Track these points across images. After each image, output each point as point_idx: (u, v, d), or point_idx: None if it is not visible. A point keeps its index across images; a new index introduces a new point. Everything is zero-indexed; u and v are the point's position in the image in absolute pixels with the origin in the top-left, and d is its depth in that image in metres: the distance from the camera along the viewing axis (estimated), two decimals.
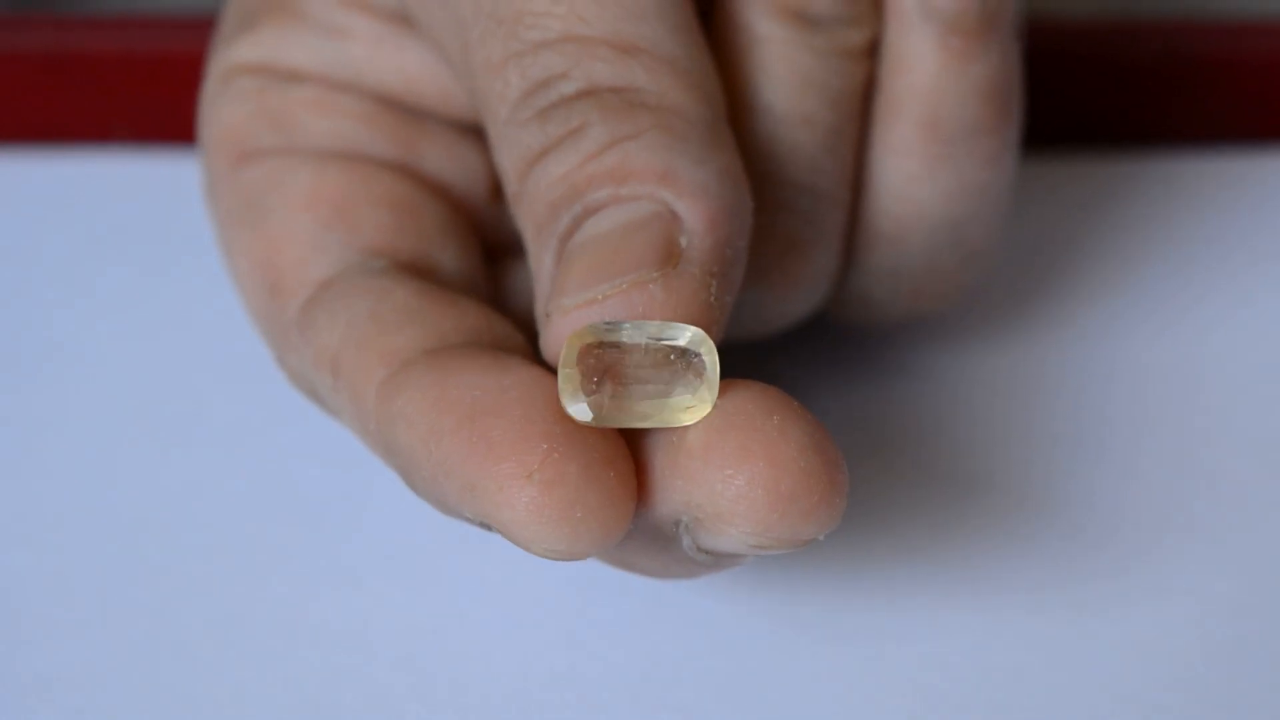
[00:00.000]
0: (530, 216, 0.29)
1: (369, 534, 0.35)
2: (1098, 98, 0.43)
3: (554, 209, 0.29)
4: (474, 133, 0.34)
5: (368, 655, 0.33)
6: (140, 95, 0.43)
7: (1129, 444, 0.37)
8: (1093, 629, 0.33)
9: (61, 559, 0.35)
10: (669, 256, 0.28)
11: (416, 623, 0.34)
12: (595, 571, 0.34)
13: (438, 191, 0.34)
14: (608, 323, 0.27)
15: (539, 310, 0.29)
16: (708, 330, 0.28)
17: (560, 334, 0.28)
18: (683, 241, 0.28)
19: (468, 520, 0.28)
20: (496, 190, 0.34)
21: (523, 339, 0.31)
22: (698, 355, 0.27)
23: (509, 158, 0.29)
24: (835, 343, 0.38)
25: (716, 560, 0.28)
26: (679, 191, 0.28)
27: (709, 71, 0.30)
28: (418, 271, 0.33)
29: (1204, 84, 0.43)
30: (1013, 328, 0.39)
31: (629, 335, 0.27)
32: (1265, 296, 0.40)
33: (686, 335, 0.27)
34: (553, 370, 0.28)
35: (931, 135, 0.33)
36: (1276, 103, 0.43)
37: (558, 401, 0.27)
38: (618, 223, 0.28)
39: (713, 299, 0.28)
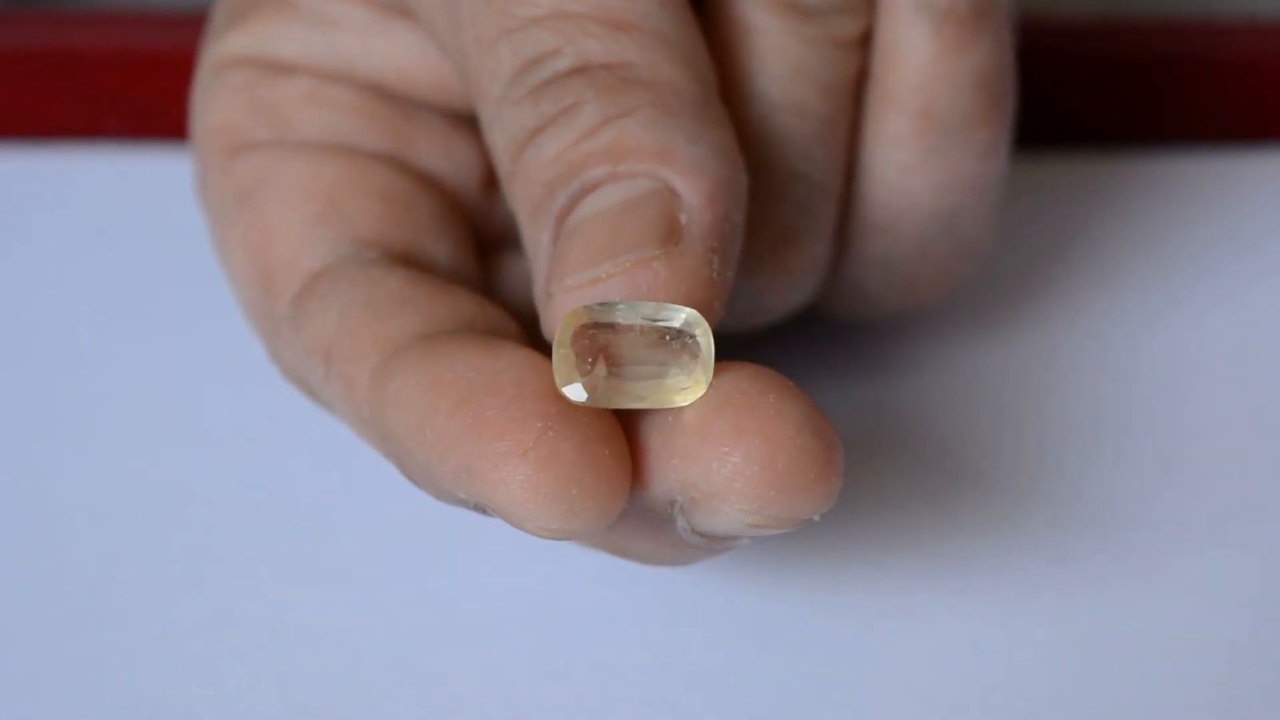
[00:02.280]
0: (525, 195, 0.29)
1: (363, 531, 0.35)
2: (1089, 97, 0.43)
3: (550, 187, 0.28)
4: (466, 125, 0.34)
5: (362, 653, 0.33)
6: (132, 92, 0.43)
7: (1121, 440, 0.37)
8: (1087, 623, 0.33)
9: (58, 555, 0.35)
10: (670, 233, 0.28)
11: (411, 620, 0.34)
12: (590, 566, 0.34)
13: (430, 184, 0.34)
14: (603, 304, 0.27)
15: (538, 290, 0.29)
16: (711, 306, 0.28)
17: (563, 313, 0.28)
18: (683, 218, 0.28)
19: (463, 504, 0.28)
20: (489, 183, 0.34)
21: (516, 326, 0.31)
22: (693, 337, 0.27)
23: (502, 136, 0.29)
24: (828, 337, 0.38)
25: (711, 543, 0.28)
26: (676, 168, 0.28)
27: (699, 47, 0.30)
28: (410, 263, 0.33)
29: (1197, 84, 0.43)
30: (1005, 325, 0.39)
31: (624, 316, 0.27)
32: (1257, 295, 0.40)
33: (682, 316, 0.27)
34: (547, 353, 0.28)
35: (924, 126, 0.33)
36: (1269, 103, 0.43)
37: (552, 382, 0.27)
38: (616, 200, 0.28)
39: (715, 275, 0.28)
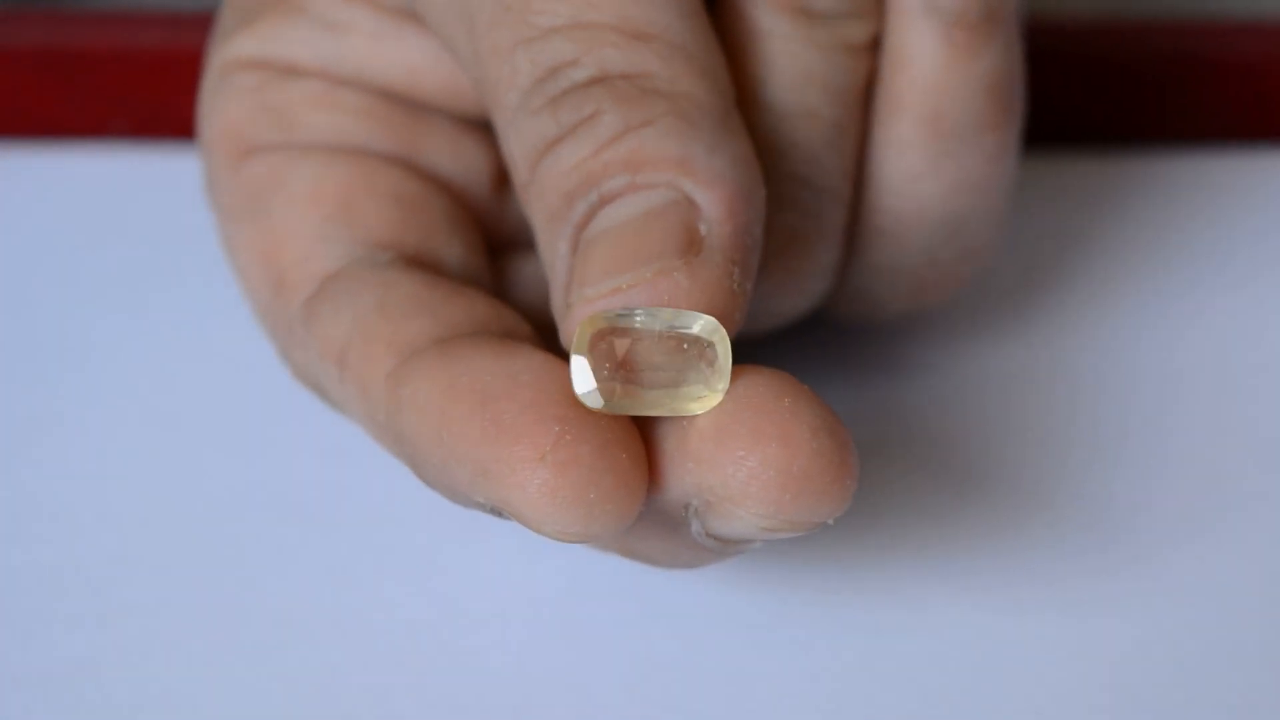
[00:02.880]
0: (543, 205, 0.29)
1: (370, 530, 0.35)
2: (1094, 97, 0.43)
3: (568, 197, 0.28)
4: (476, 127, 0.34)
5: (366, 653, 0.33)
6: (137, 91, 0.43)
7: (1127, 440, 0.37)
8: (1092, 624, 0.33)
9: (64, 554, 0.35)
10: (691, 244, 0.28)
11: (416, 620, 0.34)
12: (595, 568, 0.34)
13: (440, 186, 0.34)
14: (621, 310, 0.27)
15: (556, 301, 0.29)
16: (731, 317, 0.28)
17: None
18: (703, 229, 0.28)
19: (479, 507, 0.28)
20: (499, 185, 0.34)
21: (530, 328, 0.31)
22: (710, 344, 0.27)
23: (520, 146, 0.29)
24: (835, 340, 0.38)
25: (724, 547, 0.28)
26: (696, 179, 0.28)
27: (718, 59, 0.30)
28: (422, 265, 0.32)
29: (1201, 84, 0.43)
30: (1012, 325, 0.39)
31: (642, 322, 0.27)
32: (1262, 294, 0.40)
33: (699, 324, 0.27)
34: (563, 357, 0.28)
35: (933, 131, 0.33)
36: (1273, 102, 0.43)
37: (569, 386, 0.27)
38: (636, 211, 0.28)
39: (735, 286, 0.28)
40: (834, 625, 0.33)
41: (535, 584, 0.34)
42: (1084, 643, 0.33)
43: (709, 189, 0.28)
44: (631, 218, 0.28)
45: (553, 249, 0.29)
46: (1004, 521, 0.35)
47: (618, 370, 0.27)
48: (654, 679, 0.33)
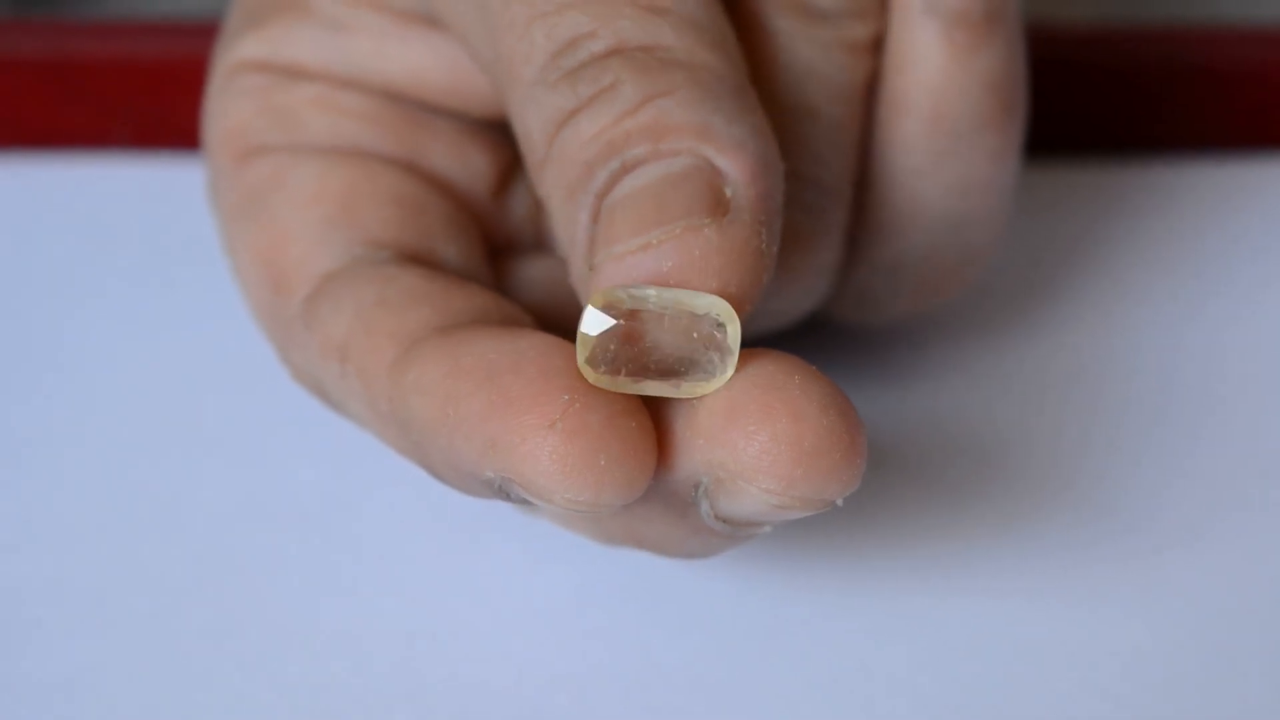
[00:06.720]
0: (561, 177, 0.29)
1: (368, 537, 0.35)
2: (1093, 104, 0.43)
3: (589, 167, 0.28)
4: (479, 131, 0.34)
5: (365, 658, 0.33)
6: (138, 100, 0.43)
7: (1127, 444, 0.37)
8: (1098, 626, 0.33)
9: (63, 561, 0.35)
10: (718, 204, 0.28)
11: (413, 626, 0.34)
12: (594, 574, 0.34)
13: (441, 189, 0.34)
14: (634, 287, 0.27)
15: (576, 270, 0.29)
16: (760, 279, 0.28)
17: (611, 282, 0.28)
18: (728, 192, 0.28)
19: (487, 486, 0.28)
20: (500, 188, 0.34)
21: (531, 320, 0.31)
22: (720, 326, 0.27)
23: (537, 120, 0.29)
24: (837, 343, 0.38)
25: (733, 530, 0.28)
26: (719, 146, 0.28)
27: (730, 33, 0.30)
28: (422, 264, 0.32)
29: (1201, 91, 0.43)
30: (1012, 331, 0.39)
31: (652, 300, 0.27)
32: (1261, 300, 0.40)
33: (709, 304, 0.27)
34: (567, 338, 0.28)
35: (935, 130, 0.33)
36: (1273, 110, 0.43)
37: (575, 361, 0.27)
38: (660, 175, 0.28)
39: (764, 246, 0.28)
40: (842, 627, 0.33)
41: (540, 589, 0.34)
42: (1090, 643, 0.33)
43: (731, 155, 0.28)
44: (656, 181, 0.28)
45: (573, 220, 0.29)
46: (1006, 524, 0.35)
47: (626, 347, 0.27)
48: (661, 683, 0.33)
